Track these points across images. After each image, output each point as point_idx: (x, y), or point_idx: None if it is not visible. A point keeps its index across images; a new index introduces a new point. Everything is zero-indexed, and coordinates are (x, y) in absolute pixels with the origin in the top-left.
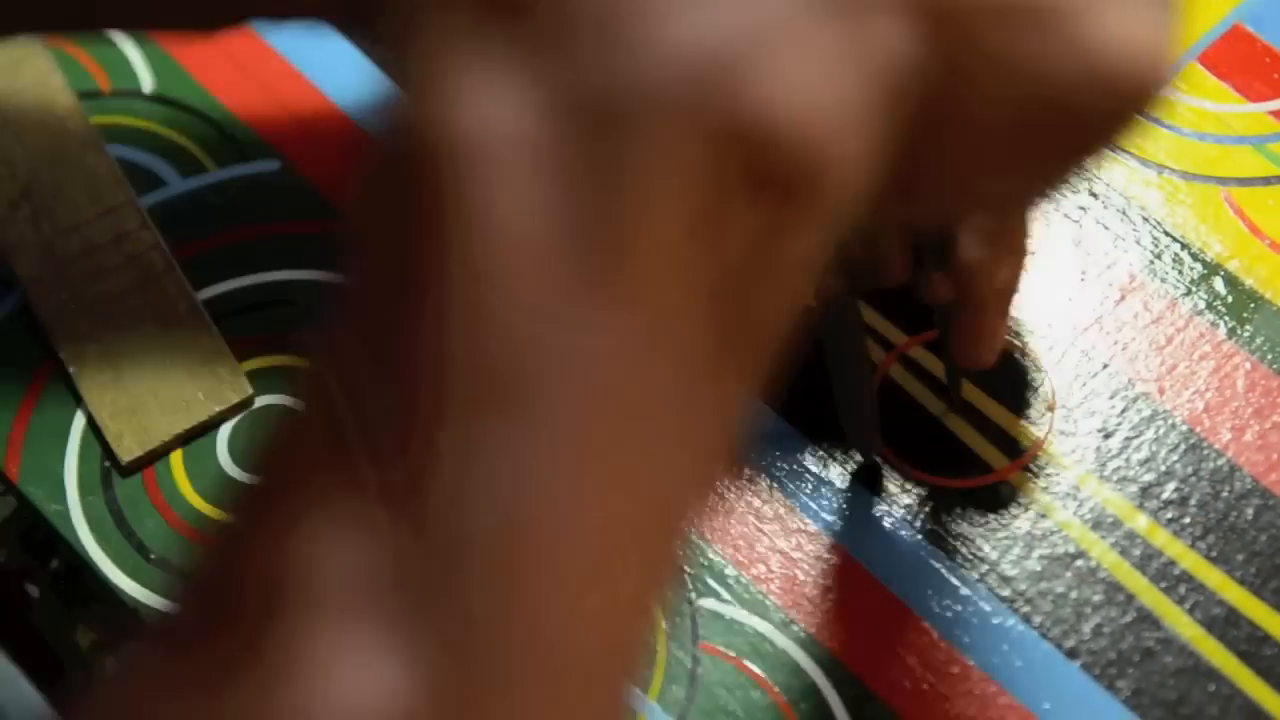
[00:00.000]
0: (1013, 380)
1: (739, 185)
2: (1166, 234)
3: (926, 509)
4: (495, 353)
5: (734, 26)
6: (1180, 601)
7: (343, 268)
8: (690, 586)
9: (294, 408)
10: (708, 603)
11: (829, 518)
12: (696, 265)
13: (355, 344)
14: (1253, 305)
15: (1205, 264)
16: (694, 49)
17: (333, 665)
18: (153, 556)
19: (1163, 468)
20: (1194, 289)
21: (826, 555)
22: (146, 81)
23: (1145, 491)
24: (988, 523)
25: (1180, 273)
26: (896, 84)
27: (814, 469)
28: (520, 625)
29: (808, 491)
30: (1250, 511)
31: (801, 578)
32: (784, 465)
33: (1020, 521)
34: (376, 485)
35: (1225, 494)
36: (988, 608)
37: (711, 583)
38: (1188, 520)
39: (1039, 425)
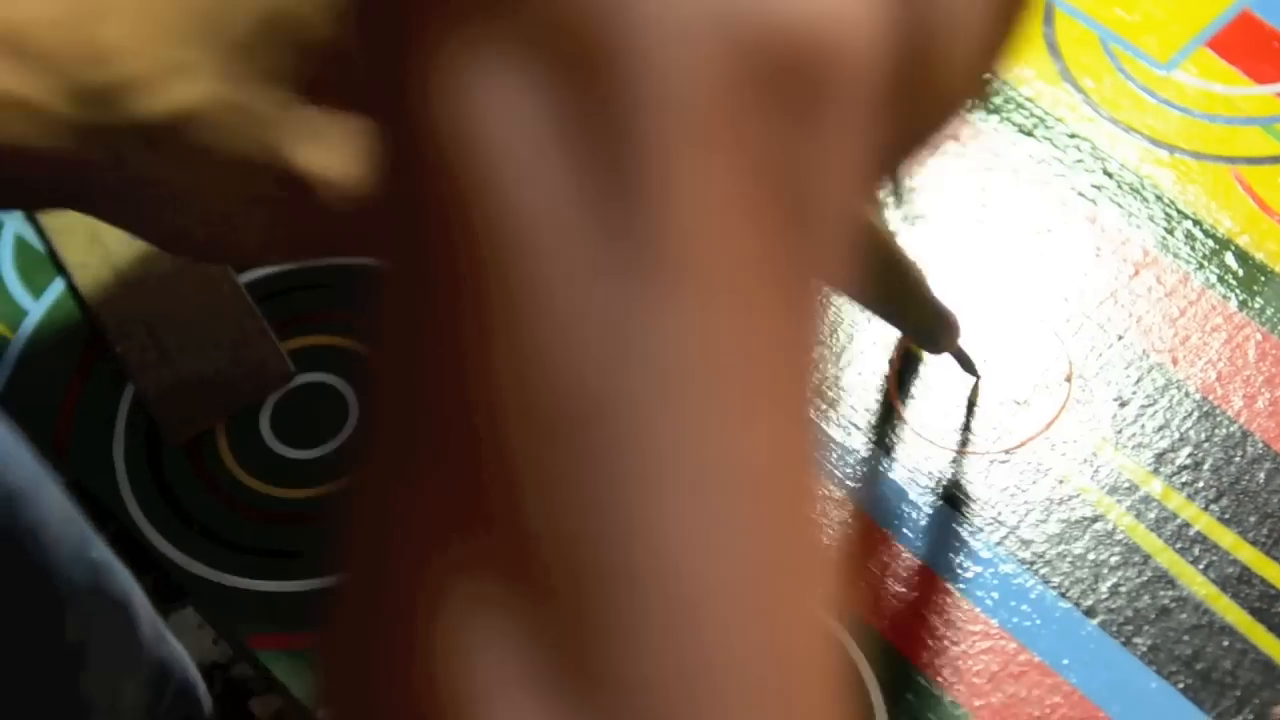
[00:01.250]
0: (1031, 352)
1: (762, 99)
2: (1179, 211)
3: (949, 477)
4: (547, 376)
5: None
6: (1195, 562)
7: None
8: None
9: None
10: None
11: (853, 485)
12: (738, 198)
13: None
14: (1263, 278)
15: (1216, 240)
16: None
17: None
18: (198, 528)
19: (1177, 434)
20: (1206, 263)
21: (851, 521)
22: None
23: (1160, 457)
24: (1007, 488)
25: (1192, 248)
26: None
27: (837, 437)
28: (687, 679)
29: (831, 459)
30: (1262, 475)
31: (826, 542)
32: None
33: (1039, 487)
34: (483, 562)
35: (1238, 459)
36: (1008, 569)
37: None
38: (1201, 484)
39: (1057, 395)
